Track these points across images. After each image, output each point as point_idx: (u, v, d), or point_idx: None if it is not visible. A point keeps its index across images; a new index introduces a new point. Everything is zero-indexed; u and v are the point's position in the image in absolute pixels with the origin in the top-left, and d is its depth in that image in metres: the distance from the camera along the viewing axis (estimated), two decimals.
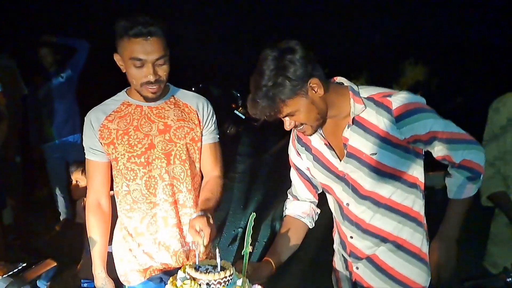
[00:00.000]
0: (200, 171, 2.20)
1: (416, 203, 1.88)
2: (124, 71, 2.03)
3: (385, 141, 1.78)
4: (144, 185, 2.07)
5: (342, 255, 2.04)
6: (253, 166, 6.89)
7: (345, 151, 1.84)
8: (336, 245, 2.10)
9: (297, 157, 2.04)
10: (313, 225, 2.08)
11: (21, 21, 6.44)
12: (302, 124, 1.79)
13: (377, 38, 8.26)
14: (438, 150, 1.76)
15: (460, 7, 8.01)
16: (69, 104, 5.01)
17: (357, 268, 1.97)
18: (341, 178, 1.88)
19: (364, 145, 1.80)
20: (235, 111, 7.53)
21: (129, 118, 2.09)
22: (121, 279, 2.17)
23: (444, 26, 8.15)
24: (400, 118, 1.74)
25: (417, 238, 1.90)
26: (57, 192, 5.08)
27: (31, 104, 5.01)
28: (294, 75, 1.67)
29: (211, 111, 2.19)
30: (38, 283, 1.86)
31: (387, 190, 1.83)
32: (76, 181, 3.47)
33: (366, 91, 1.83)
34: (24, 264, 1.80)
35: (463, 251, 1.82)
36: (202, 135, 2.15)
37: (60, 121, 4.99)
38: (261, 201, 5.78)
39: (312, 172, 1.99)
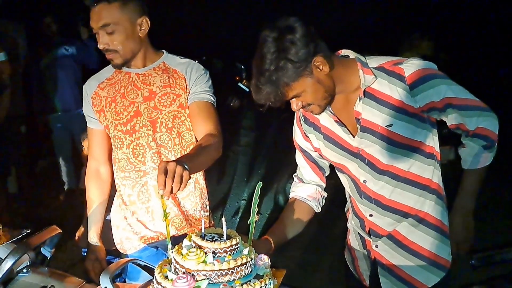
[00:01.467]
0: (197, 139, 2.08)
1: (435, 175, 1.82)
2: None
3: (400, 111, 1.71)
4: (131, 153, 2.05)
5: (359, 233, 1.97)
6: (256, 139, 6.88)
7: (359, 126, 1.76)
8: (352, 224, 2.02)
9: (303, 138, 1.95)
10: (320, 209, 1.99)
11: None
12: (309, 104, 1.72)
13: (381, 12, 8.11)
14: (452, 118, 1.71)
15: None
16: (72, 75, 4.98)
17: (376, 246, 1.89)
18: (356, 154, 1.81)
19: (379, 117, 1.73)
20: (239, 84, 7.47)
21: (117, 85, 2.07)
22: (118, 247, 2.18)
23: None
24: (414, 85, 1.68)
25: (438, 211, 1.84)
26: (61, 161, 5.09)
27: (34, 73, 4.98)
28: (296, 56, 1.59)
29: (201, 73, 2.07)
30: (42, 250, 1.86)
31: (405, 163, 1.77)
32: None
33: (375, 61, 1.75)
34: (28, 231, 1.80)
35: (498, 226, 1.79)
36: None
37: (64, 91, 4.96)
38: (264, 174, 5.79)
39: (323, 152, 1.91)
